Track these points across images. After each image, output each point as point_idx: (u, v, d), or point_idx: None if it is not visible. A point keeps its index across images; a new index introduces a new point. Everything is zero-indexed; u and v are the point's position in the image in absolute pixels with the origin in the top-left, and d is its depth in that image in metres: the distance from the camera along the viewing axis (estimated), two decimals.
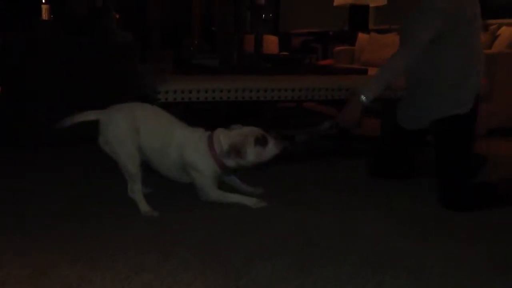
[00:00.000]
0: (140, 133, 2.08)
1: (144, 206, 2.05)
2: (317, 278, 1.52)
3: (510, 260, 1.68)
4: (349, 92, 2.38)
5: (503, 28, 4.14)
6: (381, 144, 2.71)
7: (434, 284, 1.50)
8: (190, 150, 2.10)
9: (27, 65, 3.11)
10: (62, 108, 2.04)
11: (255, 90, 2.76)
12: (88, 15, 3.81)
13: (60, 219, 1.95)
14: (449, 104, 2.22)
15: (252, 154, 2.07)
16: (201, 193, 2.15)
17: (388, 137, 2.62)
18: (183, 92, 2.64)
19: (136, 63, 3.38)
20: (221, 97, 2.71)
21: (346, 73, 3.97)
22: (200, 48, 5.80)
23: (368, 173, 2.62)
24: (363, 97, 2.13)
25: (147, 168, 2.19)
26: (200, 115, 3.88)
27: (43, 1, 5.06)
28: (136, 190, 2.07)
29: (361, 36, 6.31)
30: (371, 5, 6.65)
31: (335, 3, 6.74)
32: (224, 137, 2.10)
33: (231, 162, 2.10)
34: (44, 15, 4.87)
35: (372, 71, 4.59)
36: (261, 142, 2.08)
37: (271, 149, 2.10)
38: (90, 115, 2.07)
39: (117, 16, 4.74)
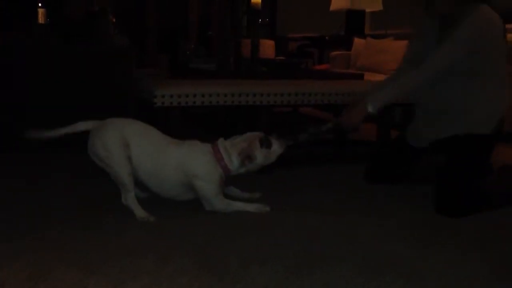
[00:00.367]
0: (131, 150, 2.06)
1: (139, 212, 2.04)
2: (314, 282, 1.52)
3: (508, 266, 1.69)
4: (356, 96, 2.42)
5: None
6: (379, 150, 2.71)
7: None
8: (195, 164, 2.08)
9: (22, 68, 3.10)
10: (56, 112, 2.05)
11: (252, 94, 2.76)
12: (84, 19, 3.81)
13: (56, 223, 1.94)
14: (473, 124, 2.22)
15: (260, 157, 2.12)
16: (207, 203, 2.12)
17: (387, 144, 2.63)
18: (180, 96, 2.64)
19: (132, 67, 3.38)
20: (218, 102, 2.71)
21: (342, 78, 3.98)
22: (196, 52, 5.80)
23: (366, 180, 2.62)
24: (368, 106, 2.18)
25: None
26: (196, 120, 3.89)
27: (39, 4, 5.05)
28: (130, 198, 2.06)
29: (357, 41, 6.33)
30: (367, 10, 6.68)
31: (331, 8, 6.77)
32: (230, 146, 2.12)
33: (241, 169, 2.13)
34: (40, 19, 4.87)
35: (368, 76, 4.61)
36: (265, 144, 2.13)
37: (276, 149, 2.16)
38: (80, 126, 2.10)
39: (114, 20, 4.74)
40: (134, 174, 2.08)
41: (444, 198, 2.20)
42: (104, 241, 1.79)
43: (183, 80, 3.06)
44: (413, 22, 6.13)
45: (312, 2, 7.60)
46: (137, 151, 2.07)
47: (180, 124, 2.73)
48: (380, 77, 4.95)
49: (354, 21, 6.78)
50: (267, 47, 7.56)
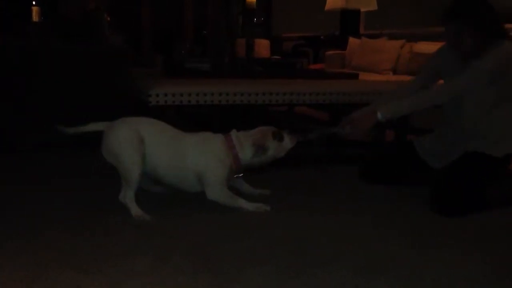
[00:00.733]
0: (146, 146, 2.09)
1: (136, 211, 2.05)
2: (309, 283, 1.52)
3: (503, 266, 1.69)
4: (371, 103, 2.51)
5: None
6: (384, 151, 2.72)
7: None
8: (207, 151, 2.12)
9: (17, 69, 3.09)
10: (52, 112, 2.04)
11: (247, 93, 2.76)
12: (80, 18, 3.79)
13: (51, 224, 1.93)
14: (492, 144, 2.27)
15: (272, 148, 2.18)
16: (210, 191, 2.13)
17: (393, 147, 2.65)
18: (174, 95, 2.64)
19: (128, 66, 3.37)
20: (213, 101, 2.71)
21: (337, 78, 3.99)
22: (191, 52, 5.80)
23: (363, 179, 2.63)
24: (379, 115, 2.25)
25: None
26: (191, 120, 3.88)
27: (33, 2, 5.03)
28: (129, 196, 2.07)
29: (352, 40, 6.34)
30: (362, 9, 6.70)
31: (326, 8, 6.78)
32: (243, 136, 2.17)
33: (253, 159, 2.16)
34: (35, 17, 4.84)
35: (363, 76, 4.62)
36: (278, 137, 2.20)
37: (287, 143, 2.22)
38: (95, 126, 2.14)
39: (109, 19, 4.72)
40: (151, 170, 2.12)
41: (441, 196, 2.21)
42: (100, 241, 1.78)
43: (178, 80, 3.06)
44: (407, 22, 6.15)
45: (307, 2, 7.60)
46: (153, 147, 2.10)
47: (175, 124, 2.72)
48: (375, 77, 4.97)
49: (349, 20, 6.79)
50: (262, 47, 7.56)
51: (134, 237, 1.83)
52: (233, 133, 2.19)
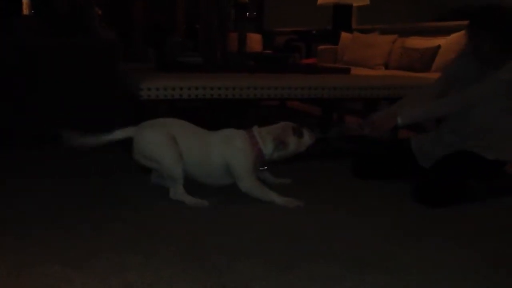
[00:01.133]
0: (179, 145, 2.15)
1: (191, 200, 2.12)
2: (298, 276, 1.52)
3: (489, 261, 1.70)
4: (392, 106, 2.57)
5: None
6: (374, 146, 2.74)
7: (414, 283, 1.52)
8: (233, 145, 2.19)
9: (8, 65, 3.06)
10: (41, 107, 2.02)
11: (239, 88, 2.76)
12: (69, 12, 3.75)
13: (40, 220, 1.92)
14: (492, 149, 2.30)
15: (292, 144, 2.25)
16: (242, 182, 2.19)
17: (392, 145, 2.68)
18: (166, 89, 2.63)
19: (118, 61, 3.35)
20: (205, 95, 2.71)
21: (329, 72, 3.99)
22: (183, 46, 5.76)
23: (356, 174, 2.64)
24: (399, 119, 2.32)
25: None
26: (184, 115, 3.87)
27: None
28: (179, 191, 2.15)
29: (344, 35, 6.35)
30: (355, 4, 6.70)
31: (318, 2, 6.77)
32: (265, 132, 2.25)
33: (274, 154, 2.24)
34: (25, 10, 4.80)
35: (354, 71, 4.63)
36: (298, 133, 2.28)
37: (307, 140, 2.31)
38: (121, 134, 2.18)
39: (100, 13, 4.69)
40: (184, 168, 2.16)
41: (423, 185, 2.25)
42: (88, 237, 1.78)
43: (170, 74, 3.04)
44: (399, 17, 6.17)
45: None
46: (184, 146, 2.16)
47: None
48: (367, 71, 4.97)
49: (341, 15, 6.80)
50: (255, 41, 7.54)
51: (123, 233, 1.83)
52: (255, 129, 2.27)
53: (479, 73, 2.30)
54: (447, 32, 4.73)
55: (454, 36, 4.55)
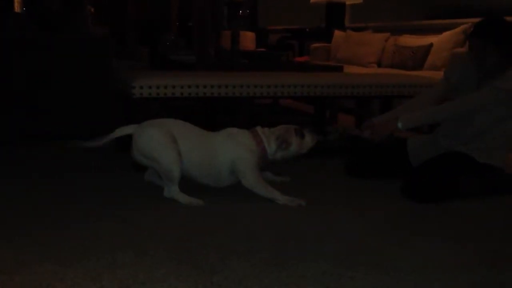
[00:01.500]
0: (179, 146, 2.15)
1: (185, 199, 2.12)
2: (291, 274, 1.53)
3: (480, 257, 1.71)
4: (393, 110, 2.62)
5: None
6: (376, 147, 2.75)
7: (405, 280, 1.52)
8: (236, 143, 2.21)
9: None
10: (33, 105, 2.02)
11: (232, 86, 2.75)
12: (61, 9, 3.74)
13: (31, 218, 1.92)
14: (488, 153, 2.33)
15: (295, 144, 2.28)
16: (245, 178, 2.19)
17: (386, 145, 2.70)
18: (159, 87, 2.62)
19: (111, 58, 3.34)
20: (197, 93, 2.70)
21: (322, 70, 4.00)
22: (176, 44, 5.75)
23: (347, 172, 2.64)
24: (399, 124, 2.35)
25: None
26: (176, 114, 3.86)
27: None
28: (175, 190, 2.14)
29: (337, 33, 6.35)
30: (348, 2, 6.70)
31: (311, 0, 6.78)
32: (268, 132, 2.28)
33: (277, 154, 2.26)
34: (16, 8, 4.77)
35: (347, 69, 4.64)
36: (300, 134, 2.31)
37: (308, 141, 2.33)
38: (122, 131, 2.19)
39: (92, 10, 4.67)
40: (183, 169, 2.15)
41: (412, 181, 2.28)
42: (79, 235, 1.77)
43: (162, 72, 3.04)
44: (392, 16, 6.18)
45: None
46: (185, 146, 2.15)
47: (160, 117, 2.71)
48: (359, 69, 4.99)
49: (334, 13, 6.80)
50: (248, 39, 7.53)
51: (115, 231, 1.82)
52: (258, 128, 2.29)
53: (480, 83, 2.33)
54: (439, 30, 4.75)
55: (446, 34, 4.57)
